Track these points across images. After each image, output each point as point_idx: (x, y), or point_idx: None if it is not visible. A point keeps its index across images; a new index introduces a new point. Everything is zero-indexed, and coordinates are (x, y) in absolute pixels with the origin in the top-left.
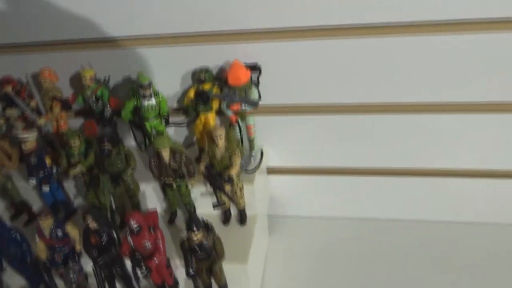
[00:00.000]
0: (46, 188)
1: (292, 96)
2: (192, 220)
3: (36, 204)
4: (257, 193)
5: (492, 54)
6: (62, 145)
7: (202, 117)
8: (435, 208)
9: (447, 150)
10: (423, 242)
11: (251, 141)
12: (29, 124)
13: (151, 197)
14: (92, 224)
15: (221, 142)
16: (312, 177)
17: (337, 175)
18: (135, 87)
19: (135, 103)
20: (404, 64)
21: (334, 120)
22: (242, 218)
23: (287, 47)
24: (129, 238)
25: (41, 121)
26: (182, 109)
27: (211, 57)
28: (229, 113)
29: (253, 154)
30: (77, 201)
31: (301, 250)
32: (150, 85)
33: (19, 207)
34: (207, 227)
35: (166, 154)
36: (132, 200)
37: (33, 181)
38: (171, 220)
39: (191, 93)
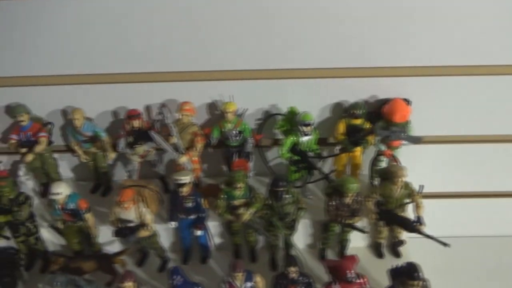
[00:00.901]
0: (201, 233)
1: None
2: (414, 270)
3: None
4: None
5: None
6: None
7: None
8: None
9: None
10: None
11: None
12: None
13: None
14: (295, 274)
15: (402, 181)
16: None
17: (466, 198)
18: (292, 124)
19: (294, 139)
20: None
21: (459, 149)
22: (398, 249)
23: (422, 82)
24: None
25: (183, 159)
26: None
27: (353, 90)
28: (383, 148)
29: None
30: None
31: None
32: (313, 123)
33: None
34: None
35: (351, 196)
36: (286, 238)
37: (173, 225)
38: (323, 256)
39: (342, 127)
